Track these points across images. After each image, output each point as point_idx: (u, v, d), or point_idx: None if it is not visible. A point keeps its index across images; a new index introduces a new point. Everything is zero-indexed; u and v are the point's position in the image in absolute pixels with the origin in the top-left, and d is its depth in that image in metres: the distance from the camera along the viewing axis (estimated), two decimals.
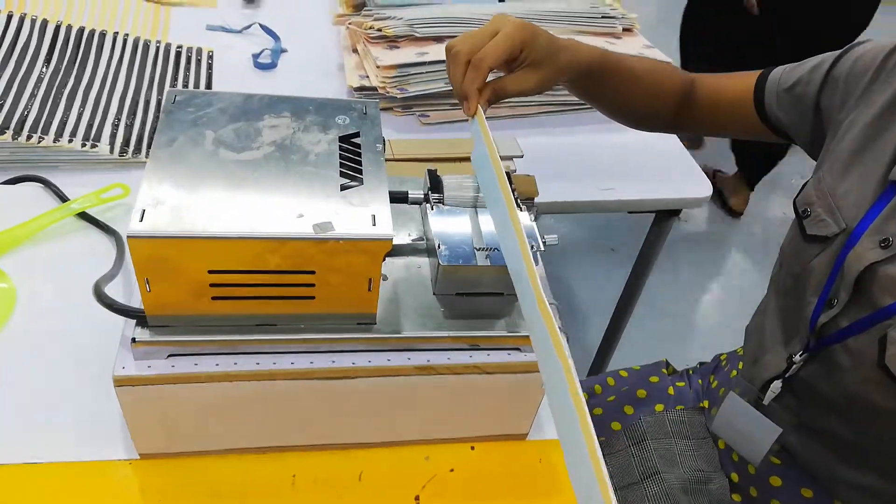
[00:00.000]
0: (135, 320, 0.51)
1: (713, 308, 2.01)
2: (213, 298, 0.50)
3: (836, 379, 0.65)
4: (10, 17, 0.99)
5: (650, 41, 1.23)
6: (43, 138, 0.84)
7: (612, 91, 0.78)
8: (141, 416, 0.54)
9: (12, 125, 0.83)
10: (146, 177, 0.49)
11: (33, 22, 1.00)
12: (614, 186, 1.02)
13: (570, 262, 2.05)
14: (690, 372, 0.92)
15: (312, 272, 0.50)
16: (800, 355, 0.68)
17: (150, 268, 0.48)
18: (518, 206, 0.62)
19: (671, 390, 0.89)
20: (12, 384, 0.61)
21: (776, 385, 0.71)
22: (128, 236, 0.45)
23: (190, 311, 0.51)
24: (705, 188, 1.06)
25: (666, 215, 1.12)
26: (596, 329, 1.59)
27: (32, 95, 0.89)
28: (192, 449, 0.58)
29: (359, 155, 0.56)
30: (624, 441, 0.85)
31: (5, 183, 0.80)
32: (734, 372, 0.81)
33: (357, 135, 0.58)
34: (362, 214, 0.50)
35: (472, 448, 0.63)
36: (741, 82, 0.78)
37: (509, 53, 0.63)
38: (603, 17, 1.22)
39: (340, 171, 0.53)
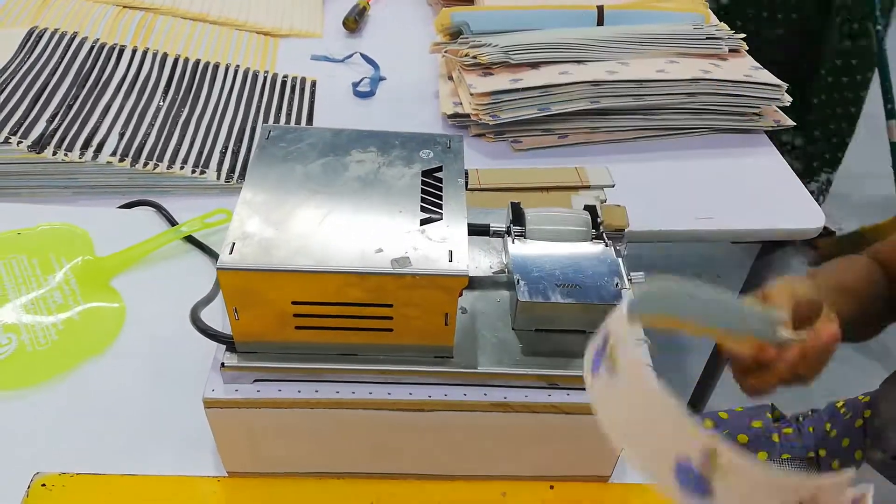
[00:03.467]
0: (225, 346, 0.54)
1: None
2: (297, 328, 0.52)
3: None
4: (134, 52, 1.08)
5: None
6: (157, 165, 0.90)
7: None
8: (228, 436, 0.57)
9: (131, 153, 0.90)
10: (237, 211, 0.52)
11: (154, 56, 1.09)
12: (714, 215, 0.98)
13: None
14: (801, 419, 0.86)
15: (390, 305, 0.51)
16: None
17: (238, 298, 0.50)
18: (604, 239, 0.61)
19: (776, 437, 0.83)
20: (116, 398, 0.66)
21: None
22: (217, 268, 0.48)
23: (275, 338, 0.53)
24: (816, 218, 1.00)
25: (773, 246, 1.06)
26: (695, 365, 1.51)
27: (150, 125, 0.96)
28: (276, 470, 0.61)
29: (440, 189, 0.56)
30: None
31: (122, 207, 0.86)
32: (859, 421, 0.74)
33: (440, 169, 0.58)
34: (440, 250, 0.51)
35: (552, 487, 0.62)
36: None
37: None
38: (707, 38, 1.18)
39: (421, 206, 0.54)
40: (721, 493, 0.31)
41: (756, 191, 1.03)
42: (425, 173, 0.58)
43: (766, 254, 1.07)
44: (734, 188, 1.03)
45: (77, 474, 0.60)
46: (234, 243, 0.49)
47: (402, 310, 0.51)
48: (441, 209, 0.54)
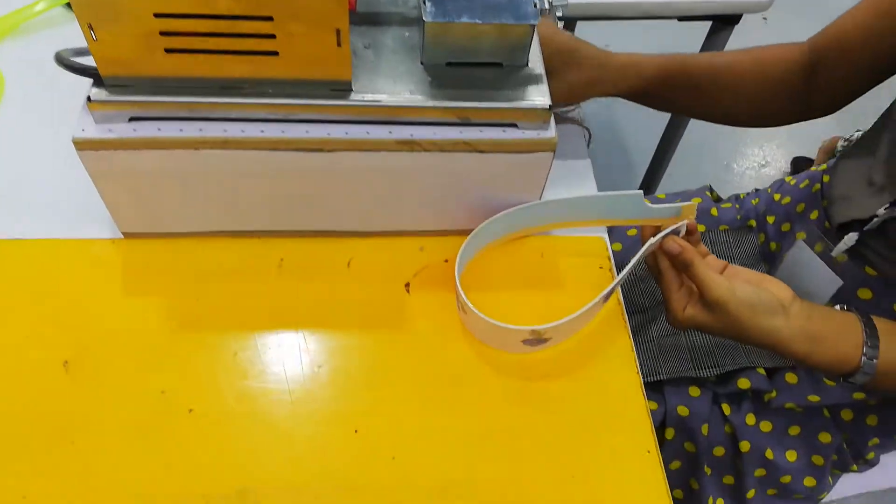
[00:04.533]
0: (91, 80, 0.48)
1: (780, 142, 1.85)
2: (168, 51, 0.46)
3: None
4: None
5: None
6: None
7: (696, 99, 0.67)
8: (109, 186, 0.52)
9: None
10: None
11: None
12: None
13: None
14: (742, 196, 0.84)
15: (270, 18, 0.44)
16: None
17: (90, 10, 0.43)
18: None
19: (715, 211, 0.81)
20: (3, 165, 0.60)
21: (851, 237, 0.61)
22: None
23: (146, 69, 0.47)
24: None
25: (722, 23, 1.00)
26: (643, 157, 1.48)
27: None
28: (176, 230, 0.57)
29: None
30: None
31: None
32: (817, 186, 0.71)
33: None
34: None
35: None
36: (870, 3, 0.59)
37: None
38: None
39: None
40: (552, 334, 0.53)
41: None
42: None
43: (716, 32, 1.01)
44: None
45: None
46: None
47: (285, 25, 0.45)
48: None
